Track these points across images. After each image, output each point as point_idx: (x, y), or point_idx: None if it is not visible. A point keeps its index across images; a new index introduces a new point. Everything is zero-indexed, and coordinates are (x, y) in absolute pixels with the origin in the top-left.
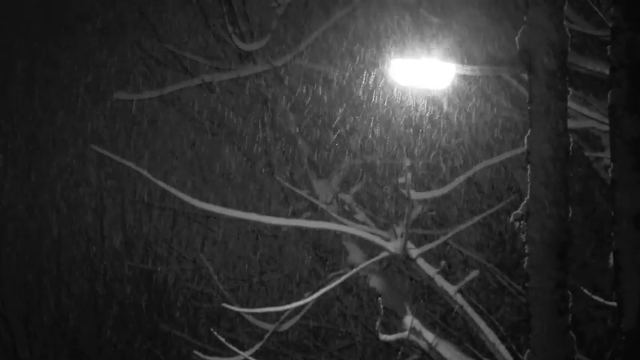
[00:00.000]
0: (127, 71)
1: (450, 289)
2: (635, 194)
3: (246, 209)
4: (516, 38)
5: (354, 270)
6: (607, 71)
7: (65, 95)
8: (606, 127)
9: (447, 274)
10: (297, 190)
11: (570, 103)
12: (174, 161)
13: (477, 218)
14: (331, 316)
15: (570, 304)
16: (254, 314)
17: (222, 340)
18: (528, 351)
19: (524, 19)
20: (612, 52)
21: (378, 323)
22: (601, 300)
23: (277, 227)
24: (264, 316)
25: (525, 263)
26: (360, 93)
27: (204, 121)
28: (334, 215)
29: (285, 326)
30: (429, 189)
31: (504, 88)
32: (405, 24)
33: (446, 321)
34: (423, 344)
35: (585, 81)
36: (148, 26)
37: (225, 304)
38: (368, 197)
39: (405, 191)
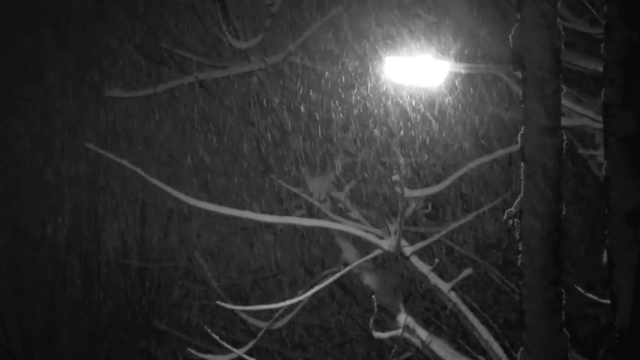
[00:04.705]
0: (119, 68)
1: (444, 286)
2: (628, 192)
3: (240, 207)
4: (510, 36)
5: (348, 268)
6: (600, 69)
7: (58, 93)
8: (600, 125)
9: (440, 271)
10: (291, 188)
11: (564, 101)
12: (167, 159)
13: (470, 216)
14: (325, 313)
15: (564, 301)
16: (248, 312)
17: (217, 337)
18: (522, 348)
19: (518, 16)
20: (606, 50)
21: (371, 321)
22: (594, 297)
23: (271, 225)
24: (258, 314)
25: (519, 261)
26: (354, 90)
27: (197, 119)
28: (328, 213)
29: (279, 324)
30: (423, 186)
31: (498, 85)
32: (399, 22)
33: (439, 318)
34: (416, 342)
35: (579, 79)
36: (141, 23)
37: (219, 302)
38: (362, 195)
39: (398, 189)
